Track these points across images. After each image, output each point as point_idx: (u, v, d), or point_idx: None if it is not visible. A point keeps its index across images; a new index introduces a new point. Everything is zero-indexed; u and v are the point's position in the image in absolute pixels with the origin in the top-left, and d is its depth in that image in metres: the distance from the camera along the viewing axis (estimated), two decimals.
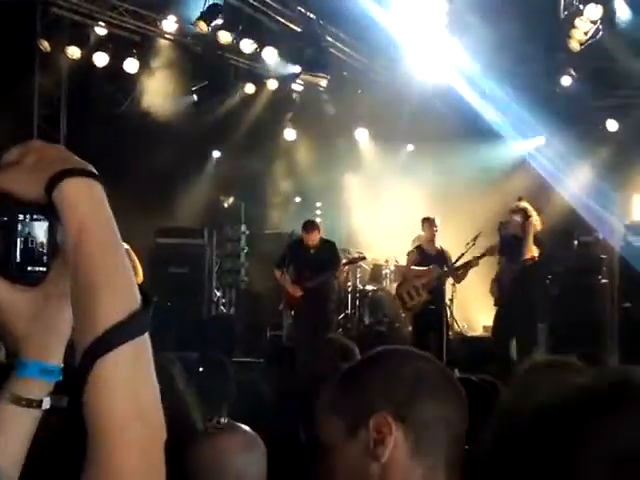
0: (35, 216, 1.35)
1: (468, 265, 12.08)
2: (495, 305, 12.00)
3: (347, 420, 2.04)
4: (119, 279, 1.27)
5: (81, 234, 1.27)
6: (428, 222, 12.61)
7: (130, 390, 1.22)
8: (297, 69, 15.02)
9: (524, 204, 11.78)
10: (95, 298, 1.24)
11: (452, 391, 2.10)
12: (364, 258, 13.89)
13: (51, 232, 1.35)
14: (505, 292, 11.61)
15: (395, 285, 15.00)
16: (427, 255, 12.57)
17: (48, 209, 1.30)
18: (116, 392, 1.21)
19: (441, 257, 12.42)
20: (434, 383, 2.08)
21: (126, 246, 1.35)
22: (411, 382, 2.06)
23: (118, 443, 1.20)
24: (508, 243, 11.65)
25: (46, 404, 1.44)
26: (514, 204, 11.81)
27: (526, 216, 11.58)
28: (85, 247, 1.26)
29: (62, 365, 1.42)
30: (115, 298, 1.25)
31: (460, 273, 12.24)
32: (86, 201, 1.29)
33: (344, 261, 13.01)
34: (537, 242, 11.57)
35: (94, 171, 1.33)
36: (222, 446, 2.75)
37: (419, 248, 12.78)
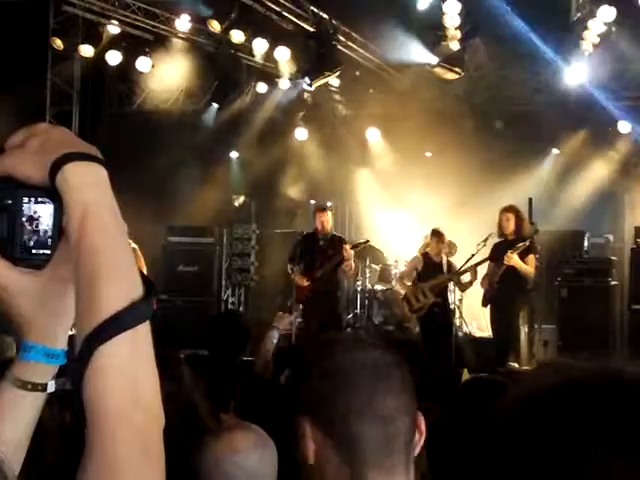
0: (40, 199, 1.34)
1: (469, 270, 12.17)
2: (482, 306, 12.13)
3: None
4: (121, 266, 1.26)
5: (84, 219, 1.26)
6: (436, 236, 12.53)
7: (129, 378, 1.21)
8: (307, 81, 14.93)
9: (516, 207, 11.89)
10: (97, 285, 1.23)
11: (381, 384, 1.99)
12: (368, 241, 13.82)
13: (56, 215, 1.34)
14: (488, 293, 11.80)
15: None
16: (432, 262, 12.52)
17: (53, 192, 1.30)
18: (115, 380, 1.20)
19: (447, 266, 12.41)
20: (356, 376, 1.98)
21: (134, 245, 1.35)
22: (329, 378, 1.99)
23: (116, 430, 1.19)
24: (499, 248, 11.72)
25: (51, 387, 1.44)
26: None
27: (518, 215, 11.66)
28: (88, 233, 1.25)
29: (67, 349, 1.42)
30: (117, 285, 1.24)
31: (465, 283, 12.32)
32: (89, 186, 1.28)
33: (348, 246, 12.99)
34: (532, 247, 11.65)
35: (99, 155, 1.32)
36: (236, 445, 2.76)
37: (425, 255, 12.76)
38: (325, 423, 1.97)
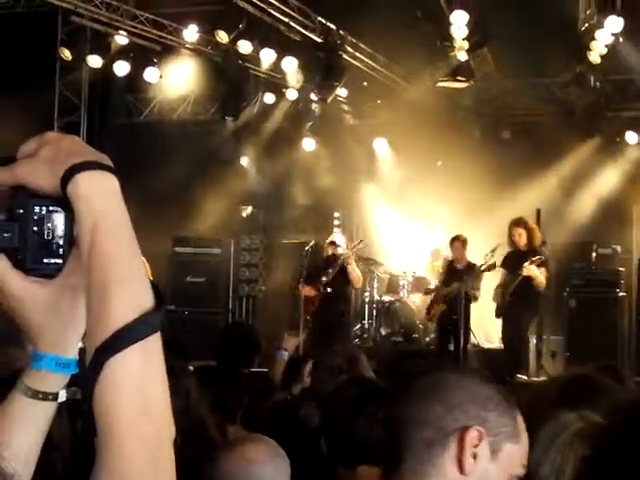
0: (51, 208, 1.34)
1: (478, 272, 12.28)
2: (496, 317, 12.21)
3: None
4: (132, 277, 1.26)
5: (95, 229, 1.26)
6: (455, 241, 12.78)
7: (140, 389, 1.21)
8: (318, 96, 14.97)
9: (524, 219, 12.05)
10: (108, 296, 1.23)
11: None
12: (362, 241, 14.01)
13: (67, 224, 1.34)
14: (502, 305, 11.86)
15: (412, 296, 15.00)
16: (453, 269, 12.72)
17: (64, 201, 1.29)
18: (126, 391, 1.20)
19: (469, 271, 12.48)
20: None
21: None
22: None
23: (127, 442, 1.19)
24: (512, 257, 11.80)
25: (62, 397, 1.44)
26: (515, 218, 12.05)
27: (528, 228, 11.78)
28: (99, 243, 1.25)
29: (78, 358, 1.41)
30: (128, 296, 1.24)
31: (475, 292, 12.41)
32: (101, 196, 1.28)
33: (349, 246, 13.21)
34: (539, 253, 11.69)
35: (110, 164, 1.31)
36: (250, 456, 2.76)
37: (450, 261, 12.98)
38: None
